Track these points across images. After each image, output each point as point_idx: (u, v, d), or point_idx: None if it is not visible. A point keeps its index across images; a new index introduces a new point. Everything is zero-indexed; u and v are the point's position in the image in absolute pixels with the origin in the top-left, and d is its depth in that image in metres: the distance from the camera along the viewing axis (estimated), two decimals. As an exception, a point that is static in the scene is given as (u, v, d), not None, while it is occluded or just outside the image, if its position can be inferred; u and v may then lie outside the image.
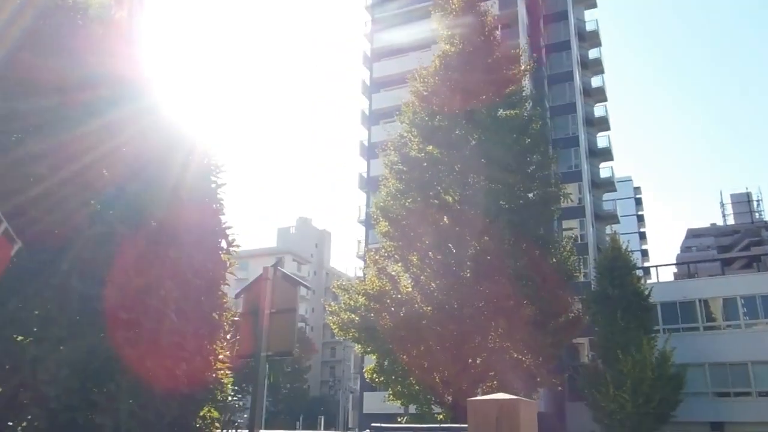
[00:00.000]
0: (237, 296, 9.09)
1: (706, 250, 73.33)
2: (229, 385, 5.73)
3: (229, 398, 5.63)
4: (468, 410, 6.00)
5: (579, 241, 39.27)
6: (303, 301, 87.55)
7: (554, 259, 13.48)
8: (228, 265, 4.40)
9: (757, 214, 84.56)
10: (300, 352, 70.06)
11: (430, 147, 14.69)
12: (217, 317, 5.57)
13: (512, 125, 14.95)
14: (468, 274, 12.79)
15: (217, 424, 5.13)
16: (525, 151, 14.77)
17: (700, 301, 34.98)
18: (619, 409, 29.79)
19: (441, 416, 13.22)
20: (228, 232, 4.49)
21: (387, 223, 14.32)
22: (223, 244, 5.43)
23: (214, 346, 5.39)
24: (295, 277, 8.82)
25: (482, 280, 12.62)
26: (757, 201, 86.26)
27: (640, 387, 29.60)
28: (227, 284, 5.44)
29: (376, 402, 28.50)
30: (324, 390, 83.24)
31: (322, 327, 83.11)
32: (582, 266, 44.60)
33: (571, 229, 39.71)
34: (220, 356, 5.49)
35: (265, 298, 8.18)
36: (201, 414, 5.13)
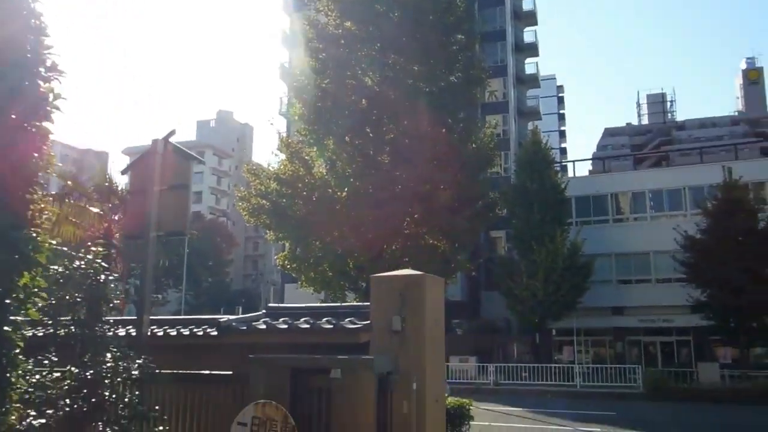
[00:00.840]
0: (124, 172, 8.23)
1: (621, 148, 76.03)
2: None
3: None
4: (371, 286, 5.63)
5: (502, 137, 39.49)
6: (225, 196, 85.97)
7: (474, 145, 13.14)
8: (52, 98, 3.48)
9: (669, 114, 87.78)
10: (222, 245, 69.53)
11: (349, 23, 13.69)
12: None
13: (436, 1, 14.05)
14: (385, 159, 12.30)
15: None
16: (448, 29, 14.01)
17: (611, 195, 36.29)
18: (531, 296, 31.19)
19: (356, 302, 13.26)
20: (52, 55, 3.54)
21: (301, 105, 13.53)
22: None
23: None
24: (189, 153, 8.00)
25: (399, 164, 12.19)
26: (671, 101, 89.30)
27: (551, 276, 30.95)
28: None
29: (297, 293, 28.54)
30: (247, 283, 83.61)
31: (244, 222, 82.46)
32: (503, 161, 45.22)
33: (494, 126, 39.83)
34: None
35: (155, 174, 7.42)
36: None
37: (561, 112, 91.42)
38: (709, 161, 37.86)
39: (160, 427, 4.79)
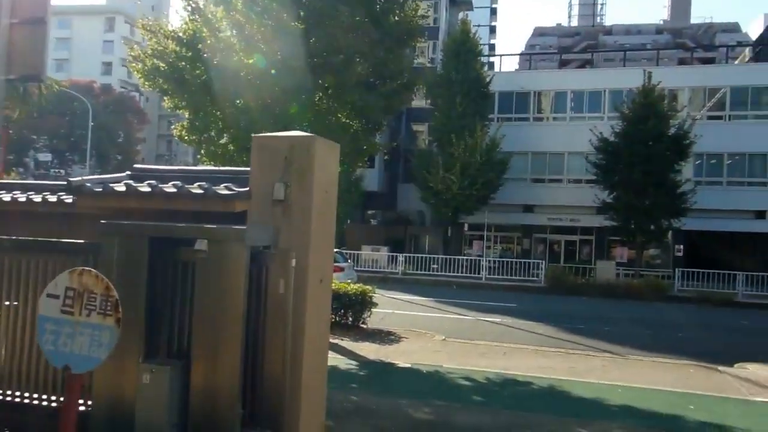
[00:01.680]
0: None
1: (549, 49, 75.73)
2: None
3: None
4: (252, 148, 4.82)
5: (432, 25, 37.94)
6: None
7: (396, 18, 12.12)
8: None
9: (599, 17, 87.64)
10: (133, 122, 65.76)
11: None
12: None
13: None
14: (298, 23, 11.11)
15: None
16: None
17: (534, 93, 36.09)
18: (446, 189, 31.24)
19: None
20: None
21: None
22: None
23: None
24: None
25: (313, 29, 11.07)
26: (602, 4, 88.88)
27: (467, 170, 30.96)
28: None
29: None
30: (159, 163, 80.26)
31: (158, 98, 77.84)
32: (431, 50, 43.83)
33: (426, 16, 38.32)
34: None
35: (5, 3, 6.18)
36: None
37: (494, 6, 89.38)
38: (630, 68, 38.07)
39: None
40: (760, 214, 32.01)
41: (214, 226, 4.24)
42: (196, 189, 4.61)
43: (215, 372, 4.19)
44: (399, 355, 10.00)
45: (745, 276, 24.12)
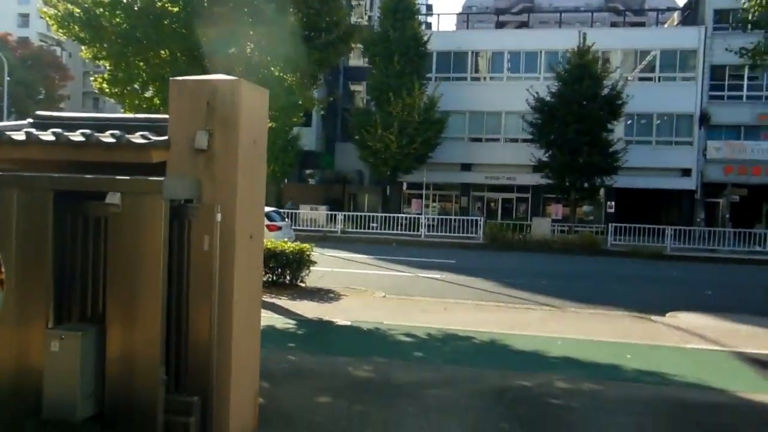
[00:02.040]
0: None
1: (486, 10, 75.49)
2: None
3: None
4: (170, 93, 4.36)
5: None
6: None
7: (332, -34, 11.59)
8: None
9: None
10: (54, 78, 62.18)
11: None
12: None
13: None
14: (227, -31, 10.45)
15: None
16: None
17: (472, 52, 35.94)
18: (384, 148, 30.98)
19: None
20: None
21: None
22: None
23: None
24: None
25: (242, -25, 10.44)
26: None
27: (405, 129, 30.78)
28: None
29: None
30: (85, 123, 76.52)
31: (84, 55, 73.64)
32: (368, 7, 42.85)
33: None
34: None
35: None
36: None
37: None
38: (566, 29, 38.36)
39: None
40: (685, 172, 33.20)
41: (130, 178, 3.82)
42: (107, 138, 4.14)
43: (133, 336, 3.82)
44: (338, 313, 9.78)
45: (673, 230, 25.01)
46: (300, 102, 12.05)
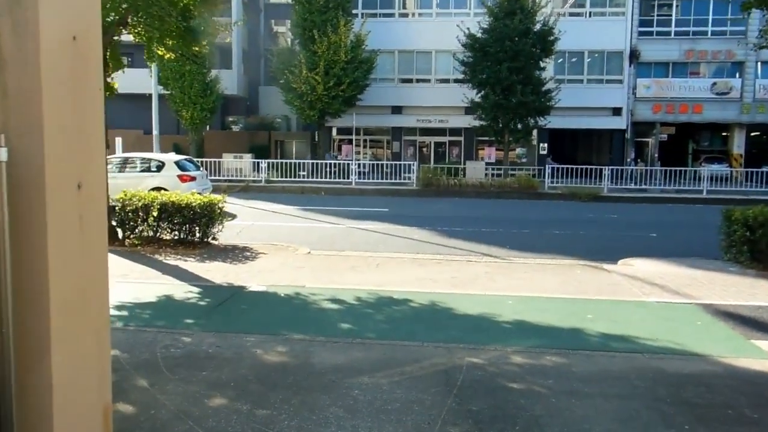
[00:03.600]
0: None
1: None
2: None
3: None
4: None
5: None
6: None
7: None
8: None
9: None
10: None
11: None
12: None
13: None
14: None
15: None
16: None
17: (399, -13, 34.03)
18: (310, 91, 29.10)
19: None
20: None
21: None
22: None
23: None
24: None
25: None
26: None
27: (332, 70, 28.93)
28: None
29: None
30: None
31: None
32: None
33: None
34: None
35: None
36: None
37: None
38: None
39: None
40: (616, 111, 32.85)
41: None
42: None
43: None
44: (253, 276, 8.36)
45: (610, 171, 24.55)
46: (202, 27, 10.26)
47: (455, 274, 8.78)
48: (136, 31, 9.96)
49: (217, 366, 4.92)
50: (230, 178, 26.00)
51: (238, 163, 27.95)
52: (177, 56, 11.00)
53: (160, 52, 10.65)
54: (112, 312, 6.43)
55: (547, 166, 25.67)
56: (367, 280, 8.27)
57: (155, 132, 22.47)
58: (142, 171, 16.43)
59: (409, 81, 34.13)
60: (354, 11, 31.84)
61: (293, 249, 10.72)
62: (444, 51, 32.45)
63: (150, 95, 23.19)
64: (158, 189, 14.99)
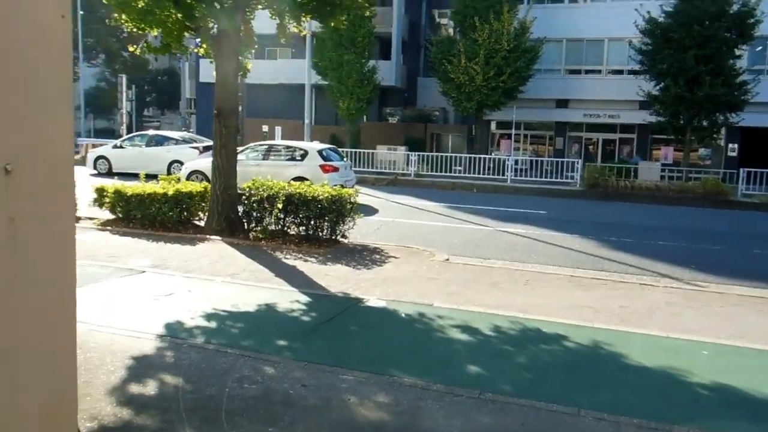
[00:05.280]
0: None
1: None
2: None
3: None
4: None
5: None
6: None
7: None
8: None
9: None
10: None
11: None
12: None
13: None
14: None
15: None
16: None
17: (572, -31, 31.33)
18: (469, 81, 27.57)
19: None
20: None
21: None
22: None
23: None
24: None
25: None
26: None
27: (493, 59, 27.17)
28: None
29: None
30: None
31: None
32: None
33: None
34: None
35: None
36: None
37: None
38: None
39: None
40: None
41: None
42: None
43: None
44: (376, 286, 7.12)
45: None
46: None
47: (625, 302, 6.91)
48: (267, 3, 9.14)
49: (292, 419, 3.68)
50: (382, 170, 25.26)
51: (391, 156, 27.16)
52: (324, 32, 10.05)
53: (296, 29, 9.79)
54: (202, 321, 5.48)
55: (742, 170, 21.87)
56: (511, 302, 6.69)
57: (306, 121, 22.24)
58: (286, 160, 15.96)
59: (577, 72, 31.38)
60: (520, -3, 29.75)
61: (429, 254, 9.36)
62: (617, 39, 29.38)
63: (311, 86, 23.02)
64: (300, 179, 14.41)
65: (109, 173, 20.33)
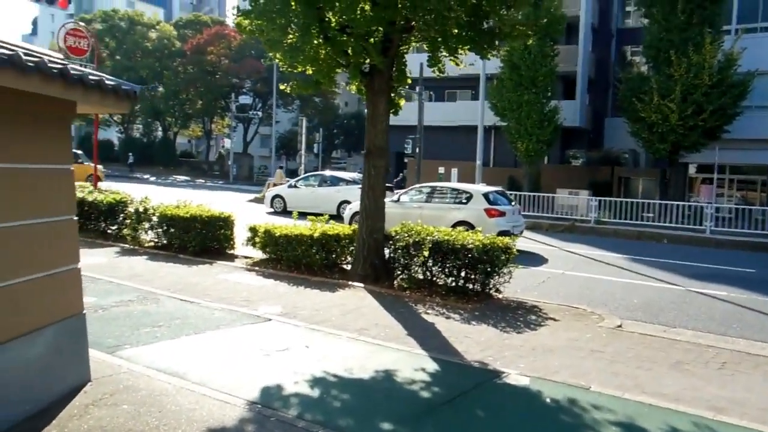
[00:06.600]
0: None
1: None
2: None
3: None
4: None
5: None
6: None
7: None
8: None
9: None
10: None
11: None
12: None
13: None
14: None
15: None
16: None
17: (792, -8, 27.49)
18: (662, 121, 24.91)
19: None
20: None
21: None
22: None
23: None
24: None
25: None
26: None
27: (691, 96, 24.31)
28: None
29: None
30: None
31: None
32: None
33: None
34: None
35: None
36: None
37: None
38: None
39: None
40: None
41: None
42: None
43: None
44: (522, 356, 5.93)
45: None
46: (497, 29, 8.26)
47: None
48: (421, 35, 8.49)
49: None
50: (561, 215, 23.51)
51: (572, 200, 25.29)
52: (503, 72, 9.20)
53: (453, 62, 9.01)
54: (305, 388, 4.73)
55: None
56: (698, 393, 5.13)
57: (478, 162, 21.37)
58: (449, 202, 15.14)
59: (797, 108, 27.15)
60: (725, 27, 26.55)
61: (598, 318, 7.88)
62: None
63: (490, 128, 22.22)
64: (463, 223, 13.50)
65: (284, 212, 20.99)
